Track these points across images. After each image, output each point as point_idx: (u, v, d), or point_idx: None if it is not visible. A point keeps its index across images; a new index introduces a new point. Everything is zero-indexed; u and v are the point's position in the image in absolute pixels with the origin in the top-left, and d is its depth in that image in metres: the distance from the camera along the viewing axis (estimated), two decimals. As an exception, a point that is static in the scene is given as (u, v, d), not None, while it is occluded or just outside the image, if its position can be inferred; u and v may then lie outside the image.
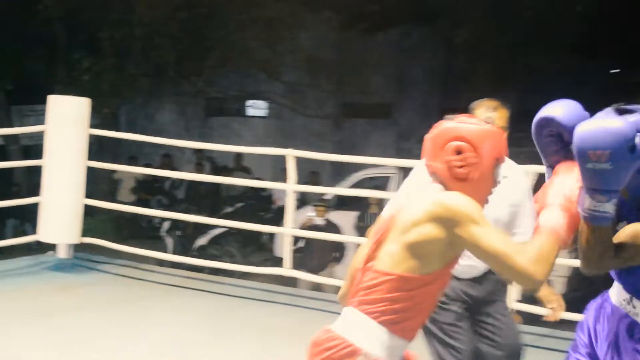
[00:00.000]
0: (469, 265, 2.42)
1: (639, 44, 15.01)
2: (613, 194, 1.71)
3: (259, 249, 9.57)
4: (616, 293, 2.04)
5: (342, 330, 1.77)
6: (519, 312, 4.88)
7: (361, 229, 7.83)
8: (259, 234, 8.82)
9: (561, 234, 1.72)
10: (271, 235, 8.81)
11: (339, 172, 11.61)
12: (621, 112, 1.71)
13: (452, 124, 1.83)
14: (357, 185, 8.87)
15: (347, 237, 7.21)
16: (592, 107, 1.95)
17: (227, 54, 12.40)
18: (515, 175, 2.72)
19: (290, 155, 5.12)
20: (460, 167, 1.79)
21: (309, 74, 14.08)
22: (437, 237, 1.71)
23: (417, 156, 2.47)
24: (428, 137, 1.87)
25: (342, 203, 8.68)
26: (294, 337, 3.21)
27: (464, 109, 2.42)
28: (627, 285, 1.96)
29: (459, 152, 1.79)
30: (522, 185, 2.76)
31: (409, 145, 13.35)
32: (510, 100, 2.91)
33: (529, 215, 2.60)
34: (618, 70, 16.89)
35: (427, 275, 1.73)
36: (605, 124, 1.70)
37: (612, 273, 2.01)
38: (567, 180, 1.81)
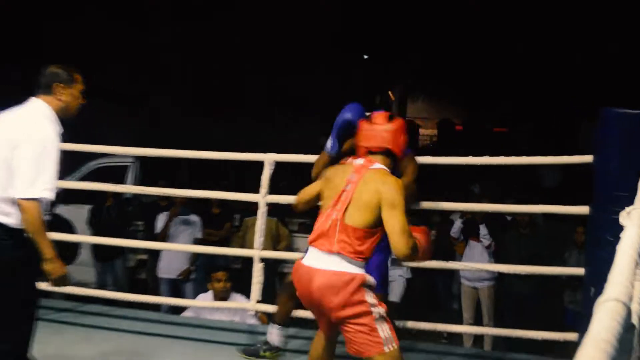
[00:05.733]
0: None
1: (385, 39, 16.67)
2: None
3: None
4: None
5: (341, 267, 2.56)
6: (264, 313, 4.57)
7: (97, 225, 6.55)
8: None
9: None
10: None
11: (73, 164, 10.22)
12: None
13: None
14: (91, 175, 7.45)
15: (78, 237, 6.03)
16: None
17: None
18: None
19: None
20: None
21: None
22: None
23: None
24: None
25: (74, 196, 7.12)
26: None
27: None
28: None
29: None
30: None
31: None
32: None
33: None
34: (367, 57, 18.73)
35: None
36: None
37: None
38: None
